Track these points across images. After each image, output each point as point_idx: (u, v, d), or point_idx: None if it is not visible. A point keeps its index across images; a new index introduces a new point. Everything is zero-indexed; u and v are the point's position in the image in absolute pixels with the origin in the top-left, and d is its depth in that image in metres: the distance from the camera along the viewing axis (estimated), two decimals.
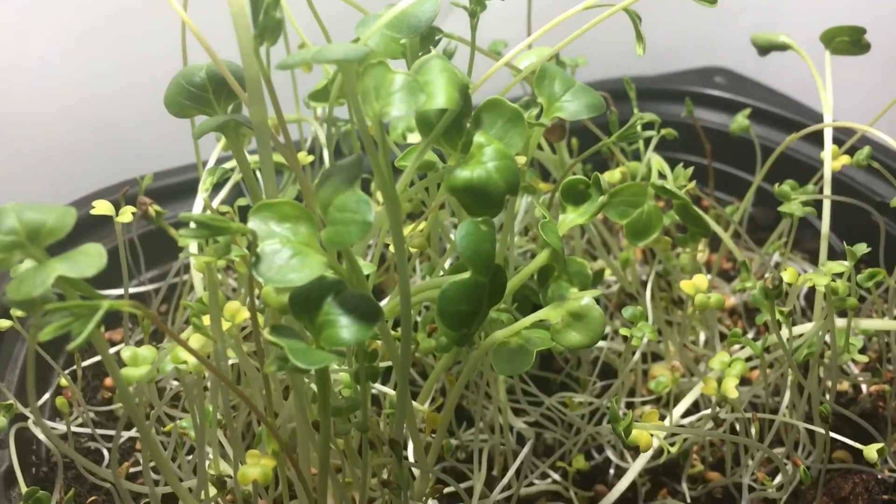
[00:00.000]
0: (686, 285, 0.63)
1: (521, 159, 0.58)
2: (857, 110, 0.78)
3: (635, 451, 0.71)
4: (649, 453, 0.67)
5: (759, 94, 1.02)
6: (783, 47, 0.78)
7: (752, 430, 0.66)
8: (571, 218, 0.60)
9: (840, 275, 0.63)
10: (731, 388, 0.63)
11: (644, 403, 0.78)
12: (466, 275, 0.47)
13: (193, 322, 0.49)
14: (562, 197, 0.59)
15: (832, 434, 0.65)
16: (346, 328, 0.43)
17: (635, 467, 0.67)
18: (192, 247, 0.64)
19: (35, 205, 0.42)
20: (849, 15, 1.17)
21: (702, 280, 0.63)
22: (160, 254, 0.86)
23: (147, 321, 0.65)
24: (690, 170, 0.69)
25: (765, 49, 0.80)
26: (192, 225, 0.41)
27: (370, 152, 0.44)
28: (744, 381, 0.78)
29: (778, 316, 0.63)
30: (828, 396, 0.67)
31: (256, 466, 0.48)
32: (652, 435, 0.59)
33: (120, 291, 0.83)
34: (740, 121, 0.84)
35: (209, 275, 0.51)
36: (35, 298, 0.39)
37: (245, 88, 0.47)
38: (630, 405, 0.78)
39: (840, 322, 0.67)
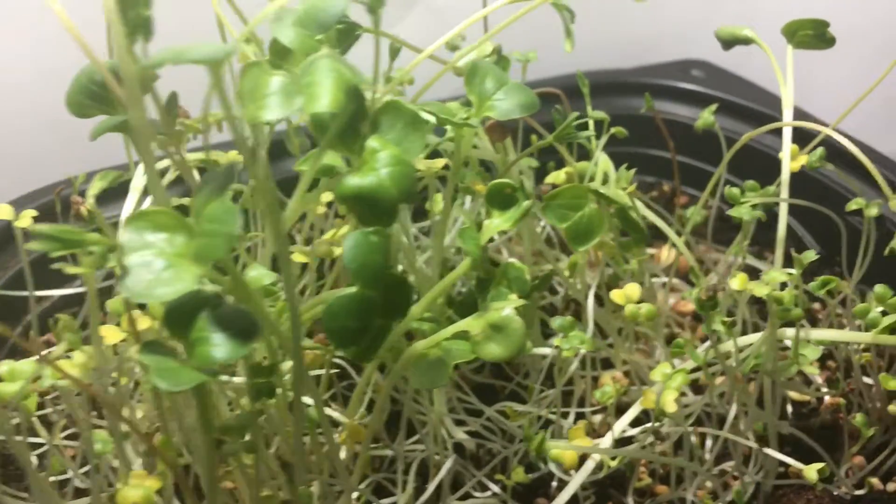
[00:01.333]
0: (616, 295, 0.60)
1: (440, 163, 0.55)
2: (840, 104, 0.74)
3: (580, 462, 0.69)
4: (590, 466, 0.64)
5: (736, 87, 0.98)
6: (746, 41, 0.74)
7: (694, 444, 0.63)
8: (497, 223, 0.57)
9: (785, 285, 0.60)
10: (669, 403, 0.60)
11: (595, 413, 0.75)
12: (353, 289, 0.44)
13: (68, 338, 0.46)
14: (487, 201, 0.56)
15: (769, 451, 0.62)
16: (218, 346, 0.41)
17: (575, 481, 0.64)
18: None
19: None
20: (829, 6, 1.13)
21: (633, 289, 0.60)
22: None
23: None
24: (632, 172, 0.66)
25: (728, 43, 0.76)
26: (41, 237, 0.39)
27: (245, 156, 0.41)
28: (699, 390, 0.75)
29: (720, 326, 0.60)
30: (767, 410, 0.64)
31: (138, 488, 0.46)
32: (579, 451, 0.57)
33: (63, 292, 0.81)
34: (706, 117, 0.80)
35: (88, 285, 0.48)
36: None
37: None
38: (581, 415, 0.75)
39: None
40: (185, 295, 0.41)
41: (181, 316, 0.42)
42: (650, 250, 0.86)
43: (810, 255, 0.59)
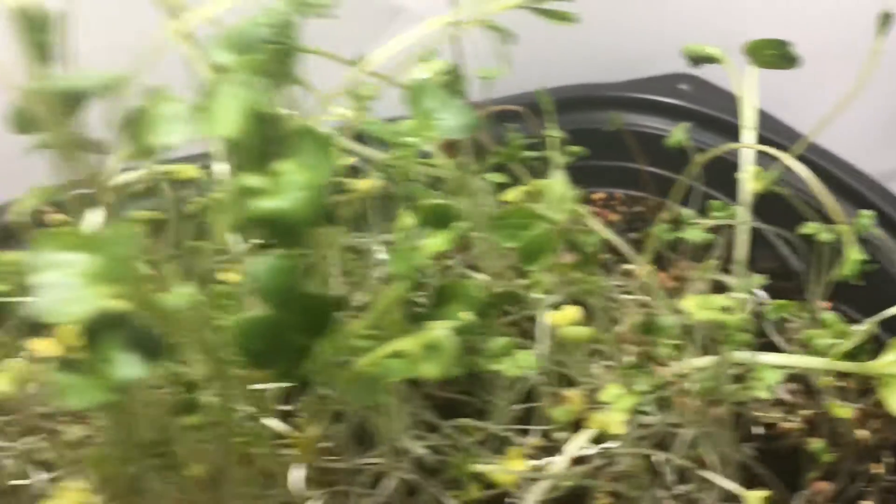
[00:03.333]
0: (556, 317, 0.59)
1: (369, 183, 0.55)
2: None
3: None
4: (544, 485, 0.64)
5: (720, 103, 0.97)
6: (711, 60, 0.73)
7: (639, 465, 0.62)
8: (435, 242, 0.58)
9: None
10: (615, 424, 0.59)
11: (559, 430, 0.75)
12: (262, 311, 0.45)
13: None
14: (421, 221, 0.56)
15: (711, 476, 0.61)
16: (122, 365, 0.42)
17: (528, 501, 0.64)
18: None
19: None
20: (828, 17, 1.11)
21: (572, 311, 0.59)
22: None
23: None
24: (579, 192, 0.65)
25: (696, 60, 0.75)
26: None
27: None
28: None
29: (666, 349, 0.59)
30: (724, 434, 0.63)
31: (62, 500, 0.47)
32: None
33: None
34: (677, 134, 0.79)
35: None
36: None
37: None
38: (545, 433, 0.75)
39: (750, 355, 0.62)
40: (93, 314, 0.42)
41: (91, 335, 0.43)
42: (628, 267, 0.85)
43: (758, 280, 0.59)
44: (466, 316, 0.56)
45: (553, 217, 0.60)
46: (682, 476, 0.68)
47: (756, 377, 0.62)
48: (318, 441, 0.61)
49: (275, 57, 0.56)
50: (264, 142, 0.45)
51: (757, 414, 0.72)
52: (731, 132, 0.92)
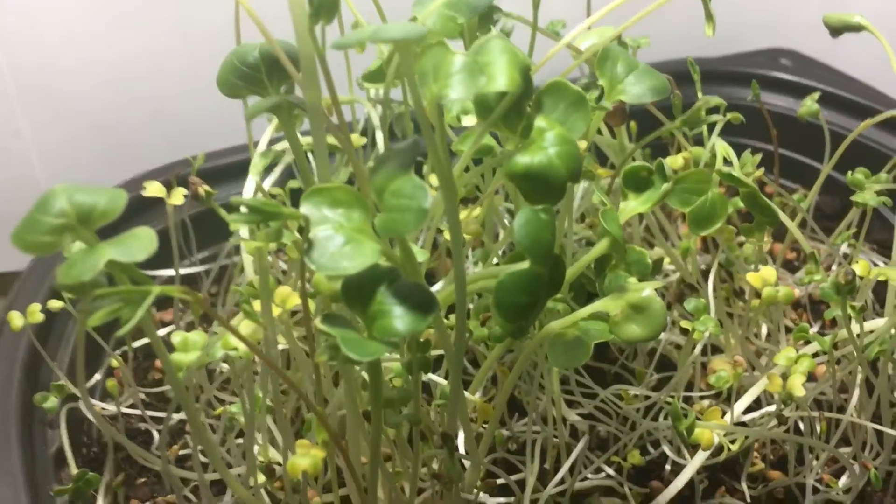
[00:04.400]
0: (753, 278, 0.60)
1: (582, 144, 0.55)
2: None
3: (693, 447, 0.69)
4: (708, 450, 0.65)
5: (827, 77, 0.98)
6: (857, 28, 0.73)
7: (818, 429, 0.63)
8: (633, 206, 0.58)
9: None
10: (797, 387, 0.60)
11: (703, 398, 0.75)
12: (525, 265, 0.45)
13: (244, 308, 0.48)
14: (623, 184, 0.57)
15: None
16: (399, 318, 0.42)
17: (693, 464, 0.64)
18: (244, 231, 0.64)
19: (86, 187, 0.41)
20: None
21: (770, 273, 0.60)
22: (211, 235, 0.85)
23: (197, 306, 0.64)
24: (758, 157, 0.66)
25: (837, 30, 0.75)
26: (243, 209, 0.40)
27: (426, 136, 0.42)
28: (809, 378, 0.75)
29: (850, 311, 0.60)
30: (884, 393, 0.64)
31: (306, 457, 0.47)
32: (713, 433, 0.57)
33: (171, 272, 0.82)
34: (809, 105, 0.80)
35: (260, 260, 0.50)
36: (85, 283, 0.39)
37: (299, 69, 0.45)
38: (688, 399, 0.75)
39: None
40: (364, 269, 0.42)
41: (360, 289, 0.43)
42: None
43: None
44: (656, 281, 0.57)
45: (742, 180, 0.60)
46: (844, 439, 0.69)
47: None
48: (496, 407, 0.61)
49: (481, 20, 0.56)
50: (521, 98, 0.45)
51: None
52: (846, 107, 0.94)
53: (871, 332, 0.65)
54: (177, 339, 0.47)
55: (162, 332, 0.79)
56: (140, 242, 0.39)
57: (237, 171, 0.86)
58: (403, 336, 0.42)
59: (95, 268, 0.39)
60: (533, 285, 0.45)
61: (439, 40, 0.42)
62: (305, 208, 0.43)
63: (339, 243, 0.42)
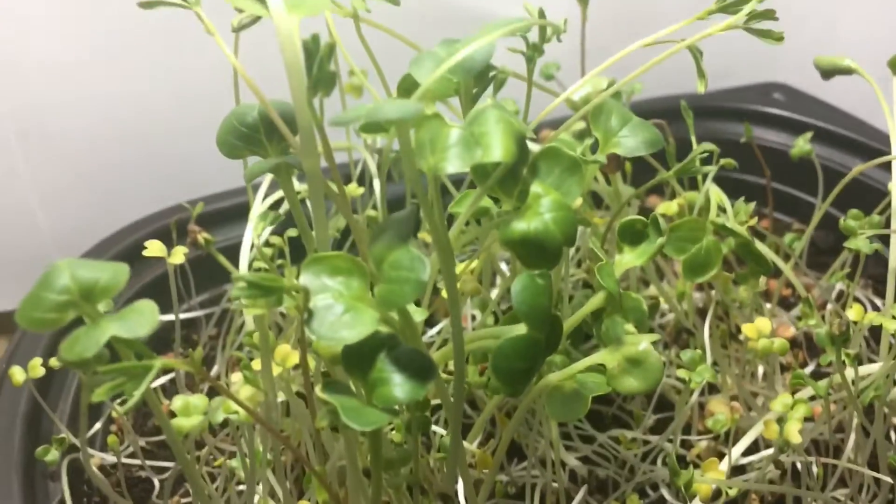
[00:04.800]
0: (748, 329, 0.60)
1: (578, 201, 0.56)
2: None
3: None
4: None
5: (820, 112, 0.99)
6: (848, 71, 0.75)
7: (815, 474, 0.64)
8: (628, 259, 0.59)
9: None
10: (794, 433, 0.60)
11: (700, 440, 0.76)
12: (522, 330, 0.46)
13: (244, 374, 0.48)
14: (619, 237, 0.58)
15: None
16: (399, 386, 0.43)
17: None
18: None
19: (88, 262, 0.41)
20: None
21: (764, 324, 0.60)
22: (211, 278, 0.86)
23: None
24: (752, 205, 0.66)
25: (828, 73, 0.77)
26: (242, 284, 0.41)
27: (423, 206, 0.43)
28: (805, 418, 0.75)
29: (844, 358, 0.61)
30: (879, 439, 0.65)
31: None
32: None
33: (171, 317, 0.83)
34: (802, 145, 0.81)
35: (260, 327, 0.50)
36: (88, 359, 0.39)
37: (295, 131, 0.46)
38: (685, 442, 0.76)
39: None
40: (366, 337, 0.43)
41: (359, 357, 0.44)
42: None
43: None
44: (653, 334, 0.57)
45: (736, 230, 0.61)
46: (841, 480, 0.70)
47: None
48: (496, 456, 0.62)
49: (477, 78, 0.57)
50: (517, 164, 0.46)
51: None
52: (839, 143, 0.94)
53: (868, 375, 0.65)
54: (178, 403, 0.47)
55: (163, 379, 0.79)
56: (142, 318, 0.40)
57: (236, 214, 0.87)
58: (403, 403, 0.43)
59: (98, 344, 0.39)
60: (530, 351, 0.46)
61: (435, 113, 0.42)
62: (305, 278, 0.43)
63: (339, 312, 0.43)
